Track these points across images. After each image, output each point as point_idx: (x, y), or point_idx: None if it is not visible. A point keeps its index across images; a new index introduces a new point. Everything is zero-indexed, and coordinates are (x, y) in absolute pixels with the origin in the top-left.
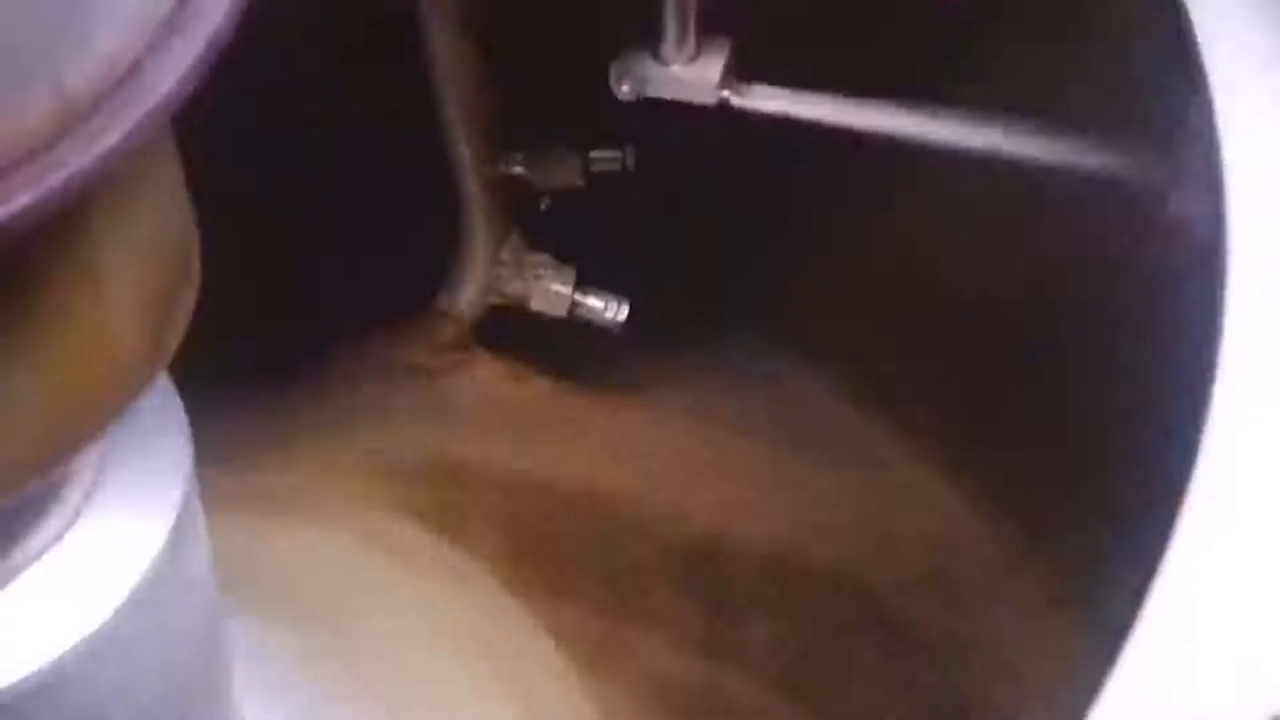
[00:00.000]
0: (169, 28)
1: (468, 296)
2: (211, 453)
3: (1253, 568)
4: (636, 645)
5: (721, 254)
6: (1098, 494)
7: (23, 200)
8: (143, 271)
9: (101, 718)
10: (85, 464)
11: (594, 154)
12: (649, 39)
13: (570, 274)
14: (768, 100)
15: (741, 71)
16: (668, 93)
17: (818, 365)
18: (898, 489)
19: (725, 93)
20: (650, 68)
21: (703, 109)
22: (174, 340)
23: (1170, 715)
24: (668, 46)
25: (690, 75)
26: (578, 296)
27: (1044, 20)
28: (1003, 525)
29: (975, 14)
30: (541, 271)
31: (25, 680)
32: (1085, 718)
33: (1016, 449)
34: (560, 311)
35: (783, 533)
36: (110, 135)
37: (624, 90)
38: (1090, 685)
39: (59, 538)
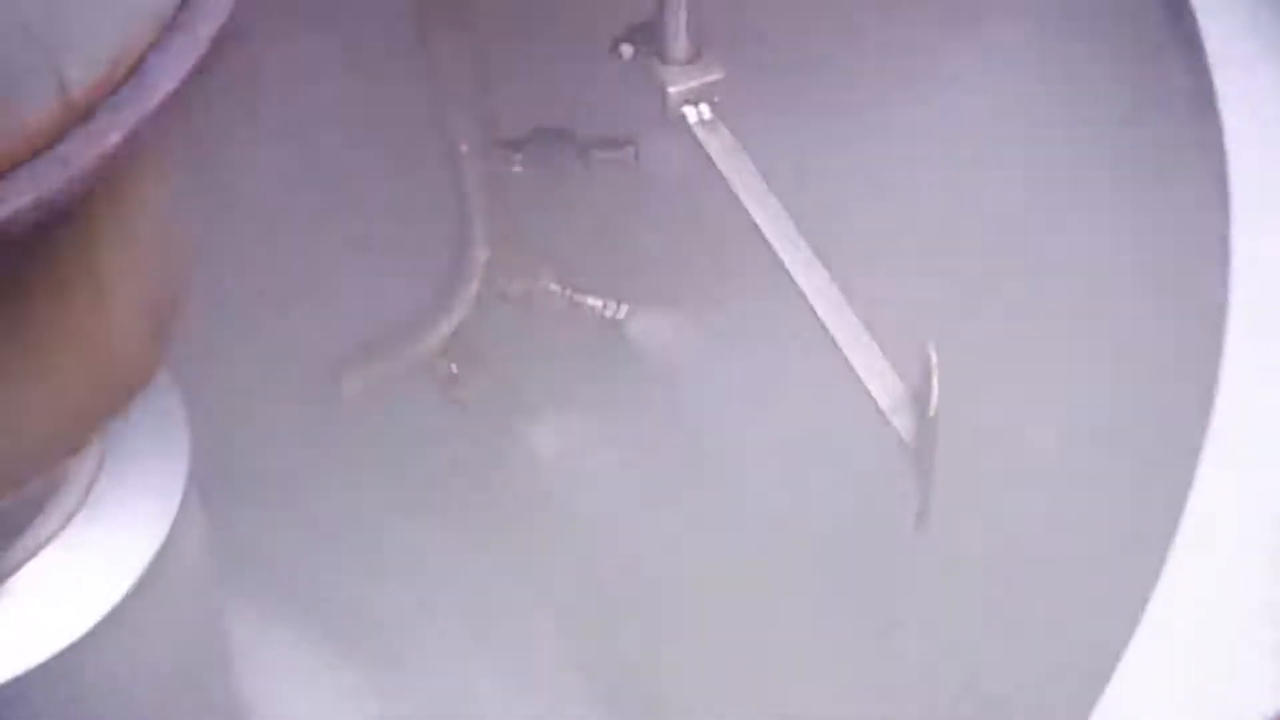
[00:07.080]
0: (173, 26)
1: (468, 297)
2: (212, 449)
3: (1250, 570)
4: None
5: (721, 254)
6: None
7: (24, 199)
8: (144, 271)
9: (102, 710)
10: (86, 461)
11: (594, 154)
12: (652, 38)
13: (570, 274)
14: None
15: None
16: (669, 88)
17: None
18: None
19: (718, 98)
20: (653, 63)
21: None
22: (176, 339)
23: (1169, 715)
24: (669, 45)
25: (689, 76)
26: (577, 297)
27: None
28: None
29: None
30: (541, 271)
31: (26, 674)
32: (1089, 717)
33: None
34: (560, 311)
35: None
36: (112, 135)
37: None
38: (1093, 685)
39: (60, 533)
